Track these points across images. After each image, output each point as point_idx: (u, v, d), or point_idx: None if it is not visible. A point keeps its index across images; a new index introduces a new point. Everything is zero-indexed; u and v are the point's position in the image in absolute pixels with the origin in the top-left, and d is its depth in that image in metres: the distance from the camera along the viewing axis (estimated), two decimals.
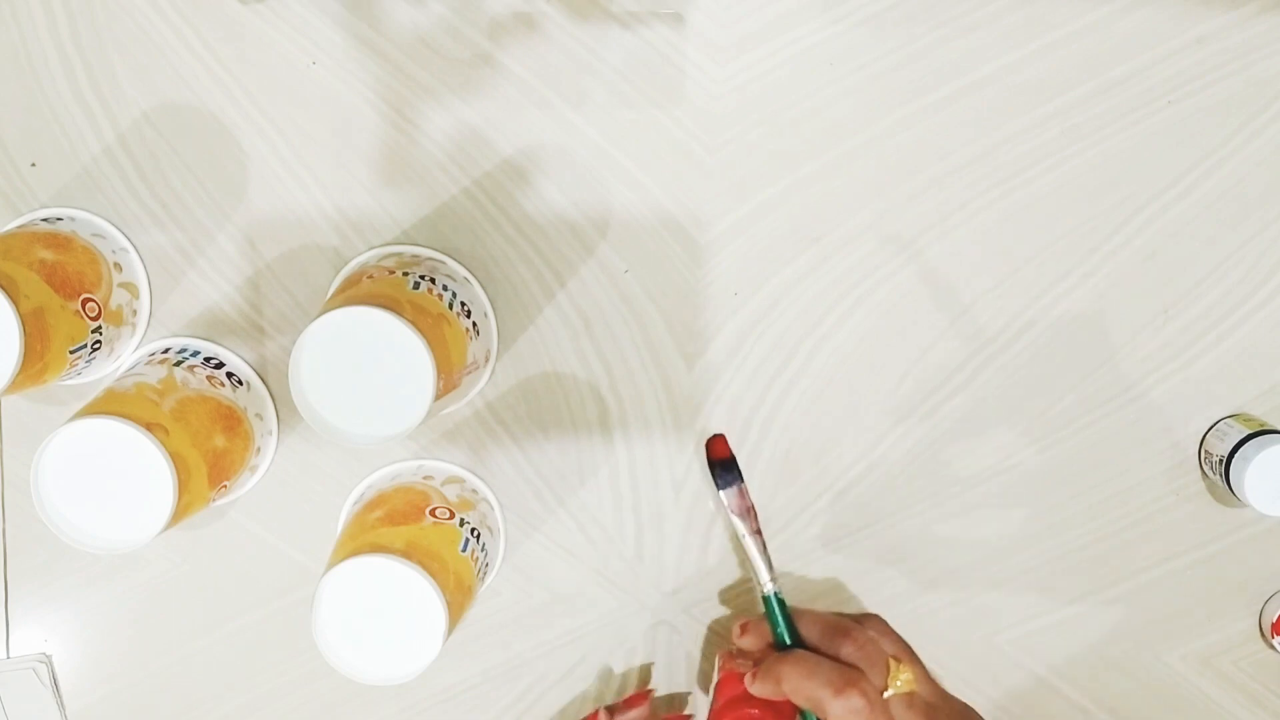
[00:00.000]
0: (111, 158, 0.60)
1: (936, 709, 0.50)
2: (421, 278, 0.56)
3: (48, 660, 0.64)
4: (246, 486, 0.62)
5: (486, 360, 0.60)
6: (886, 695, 0.50)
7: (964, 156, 0.61)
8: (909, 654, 0.53)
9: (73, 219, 0.60)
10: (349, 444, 0.51)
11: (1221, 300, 0.62)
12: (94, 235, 0.59)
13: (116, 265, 0.58)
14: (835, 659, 0.52)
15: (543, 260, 0.61)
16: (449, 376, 0.53)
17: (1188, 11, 0.60)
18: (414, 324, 0.50)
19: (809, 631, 0.54)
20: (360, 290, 0.53)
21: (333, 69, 0.60)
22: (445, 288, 0.56)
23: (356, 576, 0.50)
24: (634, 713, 0.60)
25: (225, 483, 0.56)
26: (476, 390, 0.62)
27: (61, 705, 0.64)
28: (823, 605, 0.65)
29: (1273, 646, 0.64)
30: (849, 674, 0.50)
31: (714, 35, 0.60)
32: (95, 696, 0.65)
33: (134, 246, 0.61)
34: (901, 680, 0.50)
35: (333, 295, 0.59)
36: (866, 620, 0.55)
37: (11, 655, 0.64)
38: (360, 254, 0.61)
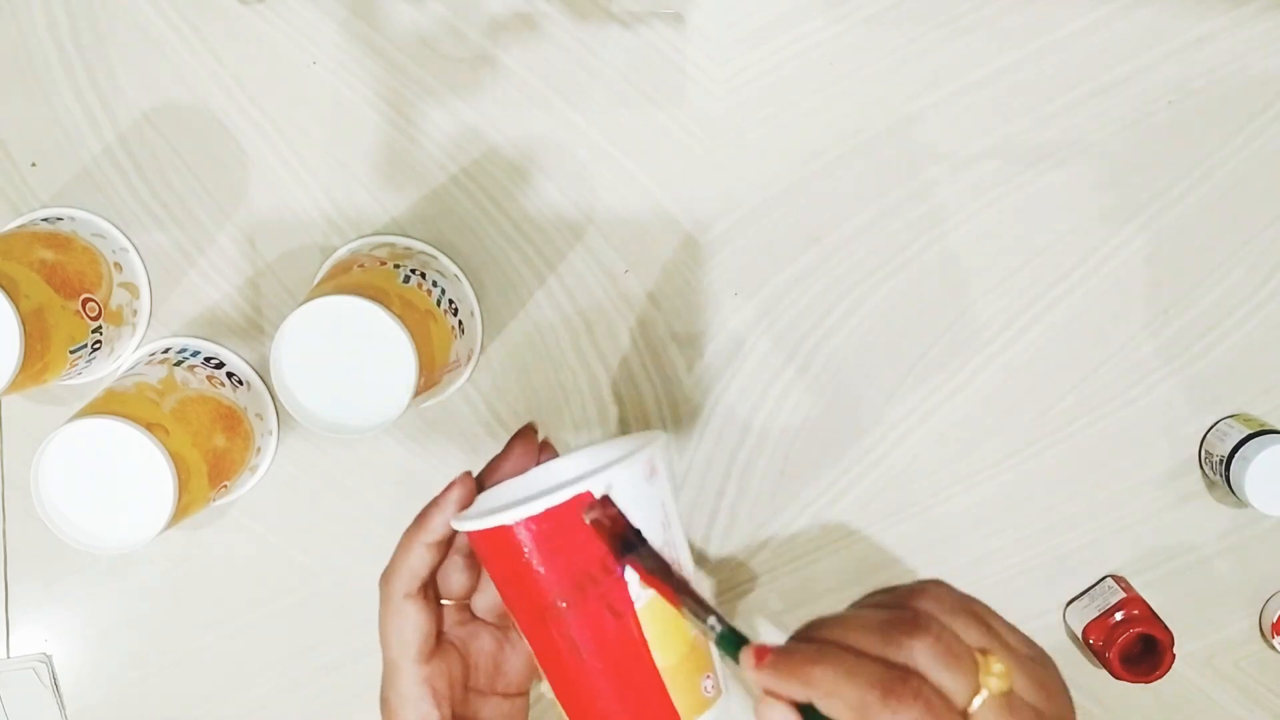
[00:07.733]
0: (111, 158, 0.60)
1: (1041, 714, 0.37)
2: (412, 271, 0.55)
3: (48, 660, 0.64)
4: (246, 486, 0.61)
5: (469, 359, 0.60)
6: (976, 704, 0.36)
7: (964, 156, 0.61)
8: (993, 637, 0.38)
9: (73, 219, 0.60)
10: (322, 431, 0.51)
11: (1221, 300, 0.62)
12: (94, 235, 0.59)
13: (117, 265, 0.58)
14: (905, 668, 0.37)
15: (543, 260, 0.61)
16: (430, 374, 0.52)
17: (1188, 11, 0.60)
18: (401, 319, 0.50)
19: (861, 642, 0.38)
20: (350, 279, 0.53)
21: (333, 69, 0.60)
22: (435, 284, 0.56)
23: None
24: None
25: (225, 483, 0.56)
26: (455, 388, 0.62)
27: (61, 705, 0.64)
28: (822, 606, 0.65)
29: (1273, 646, 0.64)
30: (902, 674, 0.36)
31: (714, 35, 0.60)
32: (95, 696, 0.65)
33: (134, 246, 0.61)
34: (994, 680, 0.37)
35: (322, 280, 0.58)
36: (922, 594, 0.39)
37: (11, 655, 0.64)
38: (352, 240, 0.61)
